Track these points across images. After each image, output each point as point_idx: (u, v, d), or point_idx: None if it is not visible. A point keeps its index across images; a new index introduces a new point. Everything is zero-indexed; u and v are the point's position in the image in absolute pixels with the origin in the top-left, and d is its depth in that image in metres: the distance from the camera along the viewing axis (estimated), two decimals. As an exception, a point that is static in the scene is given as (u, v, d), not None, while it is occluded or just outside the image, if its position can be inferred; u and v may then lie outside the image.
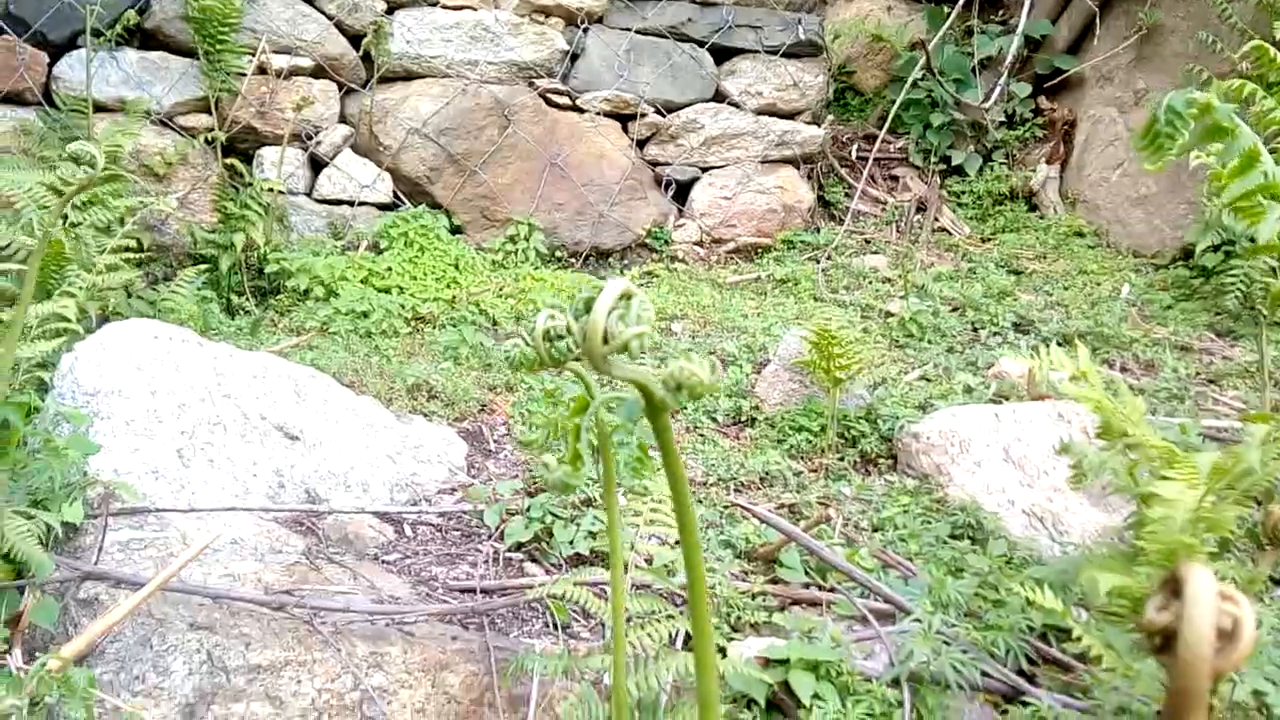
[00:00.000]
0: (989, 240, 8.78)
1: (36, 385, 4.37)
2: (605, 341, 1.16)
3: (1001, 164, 9.38)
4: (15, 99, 6.73)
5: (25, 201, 5.60)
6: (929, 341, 6.69)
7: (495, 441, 5.42)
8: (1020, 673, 3.31)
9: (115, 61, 6.92)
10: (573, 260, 8.15)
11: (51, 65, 6.83)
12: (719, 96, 8.61)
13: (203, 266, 6.66)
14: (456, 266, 7.36)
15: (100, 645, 3.06)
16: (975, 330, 6.93)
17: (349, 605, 3.39)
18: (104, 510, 3.39)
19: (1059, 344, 4.31)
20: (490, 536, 4.30)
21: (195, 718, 2.98)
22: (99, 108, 6.84)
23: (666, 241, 8.42)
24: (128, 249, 5.65)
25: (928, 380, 5.89)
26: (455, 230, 7.80)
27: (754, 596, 3.65)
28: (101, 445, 3.85)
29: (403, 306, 6.80)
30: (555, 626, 3.71)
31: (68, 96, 6.76)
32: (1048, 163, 9.11)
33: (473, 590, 3.83)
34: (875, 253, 8.50)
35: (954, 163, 9.46)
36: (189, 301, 6.15)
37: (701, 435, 5.32)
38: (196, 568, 3.45)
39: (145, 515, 3.67)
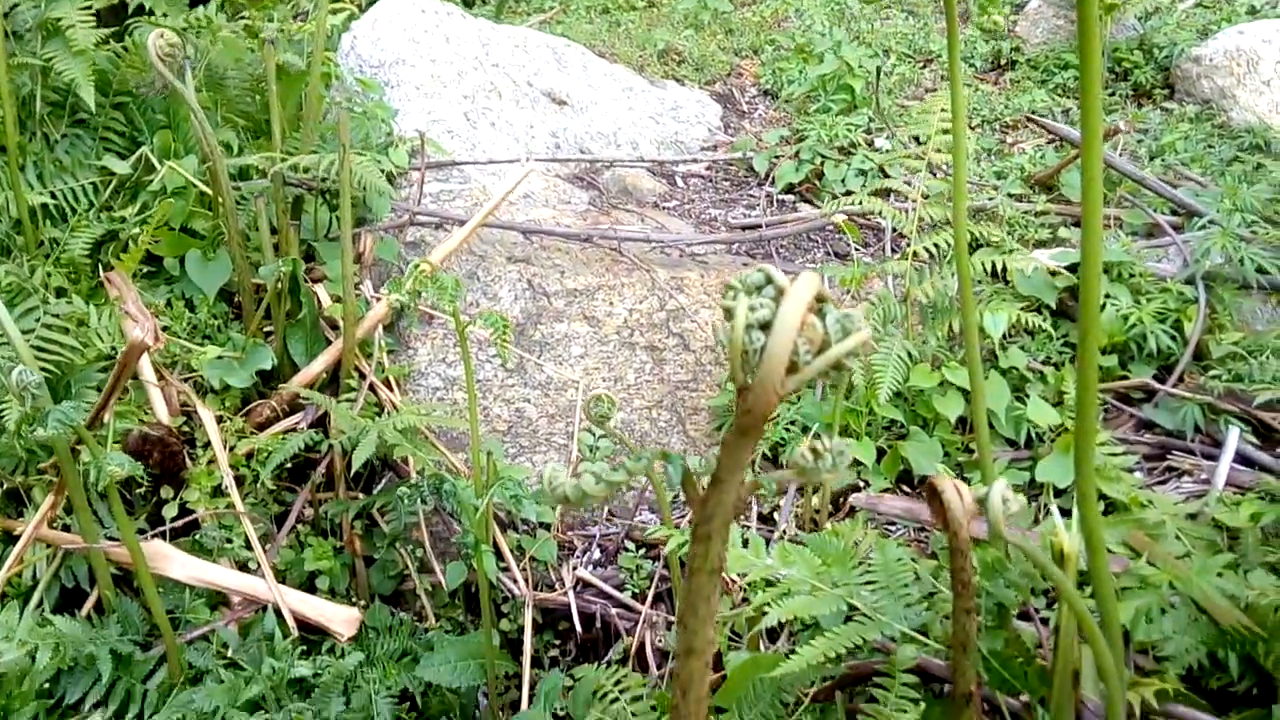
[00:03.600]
0: None
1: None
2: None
3: None
4: None
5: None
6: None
7: (747, 103, 5.48)
8: (1316, 270, 3.30)
9: None
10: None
11: None
12: None
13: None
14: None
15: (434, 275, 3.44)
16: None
17: (649, 236, 3.64)
18: (421, 162, 3.70)
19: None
20: (760, 183, 4.46)
21: (525, 335, 3.34)
22: None
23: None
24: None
25: (1204, 7, 5.55)
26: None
27: (1037, 215, 3.71)
28: (398, 109, 4.16)
29: (639, -20, 6.78)
30: (836, 255, 3.89)
31: None
32: None
33: (754, 226, 4.03)
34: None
35: None
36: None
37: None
38: (501, 216, 3.76)
39: (450, 169, 3.98)
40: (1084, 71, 1.26)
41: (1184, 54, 4.77)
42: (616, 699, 2.08)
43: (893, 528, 2.82)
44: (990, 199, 3.71)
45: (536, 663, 2.80)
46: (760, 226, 3.96)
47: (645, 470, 0.93)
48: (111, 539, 2.58)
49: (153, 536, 2.68)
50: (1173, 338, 3.09)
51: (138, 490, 2.79)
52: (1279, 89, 4.46)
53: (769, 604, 1.94)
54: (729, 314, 0.84)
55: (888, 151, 4.32)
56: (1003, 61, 5.38)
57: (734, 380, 0.84)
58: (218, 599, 2.69)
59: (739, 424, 0.86)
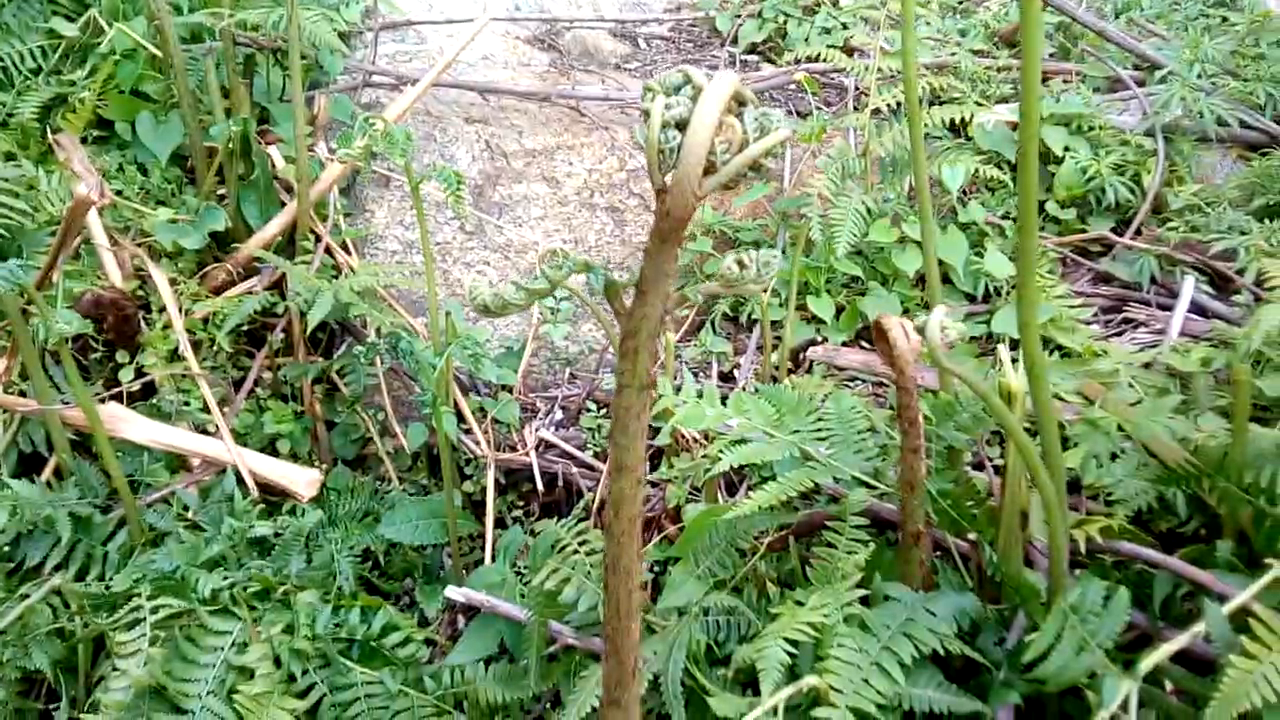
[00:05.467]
0: None
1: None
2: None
3: None
4: None
5: None
6: None
7: (712, -37, 5.34)
8: (1278, 121, 3.28)
9: None
10: None
11: None
12: None
13: None
14: None
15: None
16: None
17: (608, 95, 3.58)
18: (375, 22, 3.60)
19: None
20: (723, 43, 4.37)
21: (484, 197, 3.30)
22: None
23: None
24: None
25: None
26: None
27: (999, 70, 3.66)
28: (353, -32, 4.04)
29: None
30: (799, 114, 3.84)
31: None
32: None
33: (717, 86, 3.96)
34: None
35: None
36: None
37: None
38: (459, 77, 3.67)
39: (405, 29, 3.88)
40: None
41: (1155, -94, 4.66)
42: (575, 551, 2.10)
43: (852, 384, 2.83)
44: (952, 54, 3.65)
45: (499, 523, 2.83)
46: (723, 86, 3.89)
47: (564, 279, 0.92)
48: (68, 403, 2.57)
49: (109, 400, 2.66)
50: (1131, 190, 3.08)
51: (93, 355, 2.77)
52: (1250, -64, 4.38)
53: (722, 450, 1.95)
54: (647, 115, 0.82)
55: (851, 8, 4.24)
56: (972, -83, 5.24)
57: (652, 182, 0.83)
58: (177, 462, 2.69)
59: (658, 229, 0.84)
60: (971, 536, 1.81)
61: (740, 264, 0.91)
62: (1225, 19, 3.91)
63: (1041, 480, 1.47)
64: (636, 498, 1.00)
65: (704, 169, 0.80)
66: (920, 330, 1.28)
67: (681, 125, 0.81)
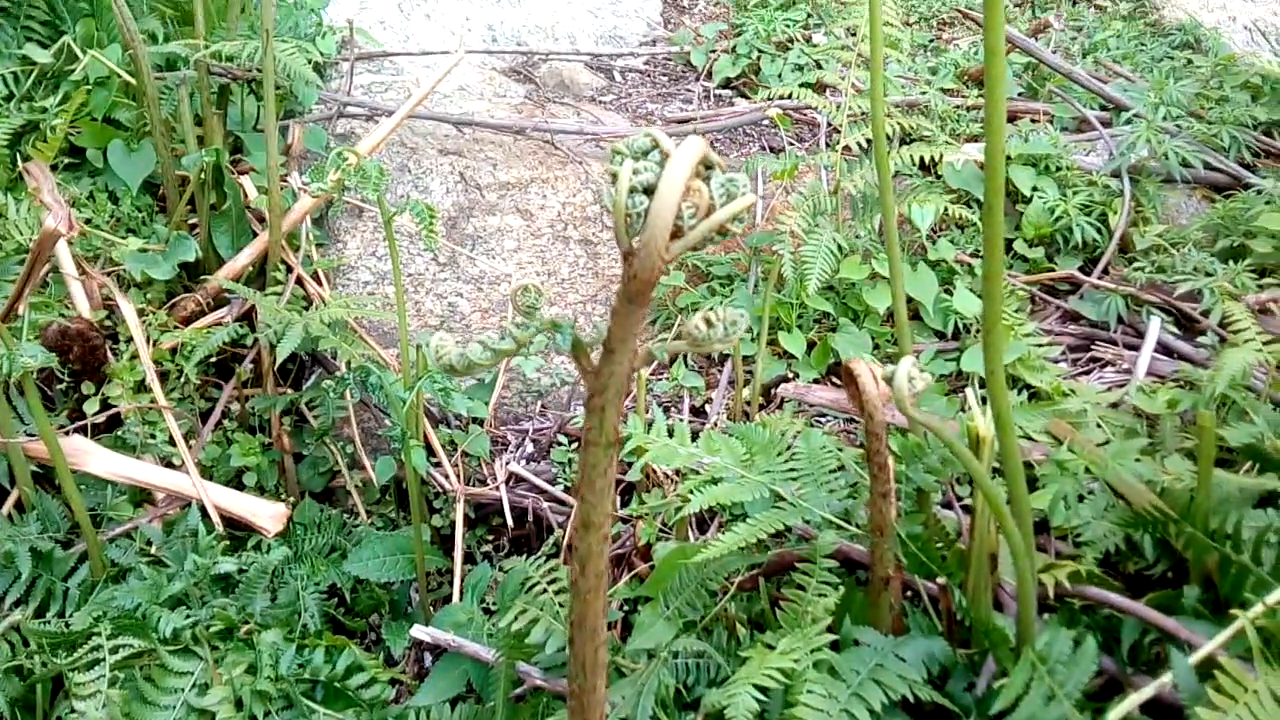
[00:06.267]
0: None
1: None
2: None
3: None
4: None
5: None
6: None
7: (688, -2, 5.39)
8: (1242, 164, 3.33)
9: None
10: None
11: None
12: None
13: None
14: None
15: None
16: None
17: (582, 129, 3.59)
18: (351, 53, 3.59)
19: None
20: (698, 77, 4.40)
21: (458, 229, 3.29)
22: None
23: None
24: None
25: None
26: None
27: (968, 109, 3.69)
28: (329, -1, 4.04)
29: None
30: (771, 149, 3.86)
31: None
32: None
33: (690, 119, 3.98)
34: None
35: None
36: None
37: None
38: (434, 108, 3.67)
39: (381, 60, 3.88)
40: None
41: (1121, -51, 4.74)
42: (544, 590, 2.09)
43: (822, 419, 2.84)
44: (923, 93, 3.68)
45: (468, 558, 2.81)
46: (694, 120, 3.91)
47: (531, 339, 0.92)
48: (31, 435, 2.53)
49: (73, 432, 2.63)
50: (1099, 230, 3.11)
51: (58, 386, 2.74)
52: (1213, -17, 4.47)
53: (693, 491, 1.95)
54: (615, 179, 0.82)
55: (824, 47, 4.28)
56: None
57: (619, 245, 0.83)
58: (141, 496, 2.66)
59: (626, 290, 0.84)
60: (941, 581, 1.81)
61: (708, 322, 0.91)
62: (1189, 61, 3.97)
63: (1009, 529, 1.47)
64: (603, 554, 0.99)
65: (671, 233, 0.80)
66: (888, 380, 1.28)
67: (649, 190, 0.81)
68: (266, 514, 2.59)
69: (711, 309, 0.91)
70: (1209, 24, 4.38)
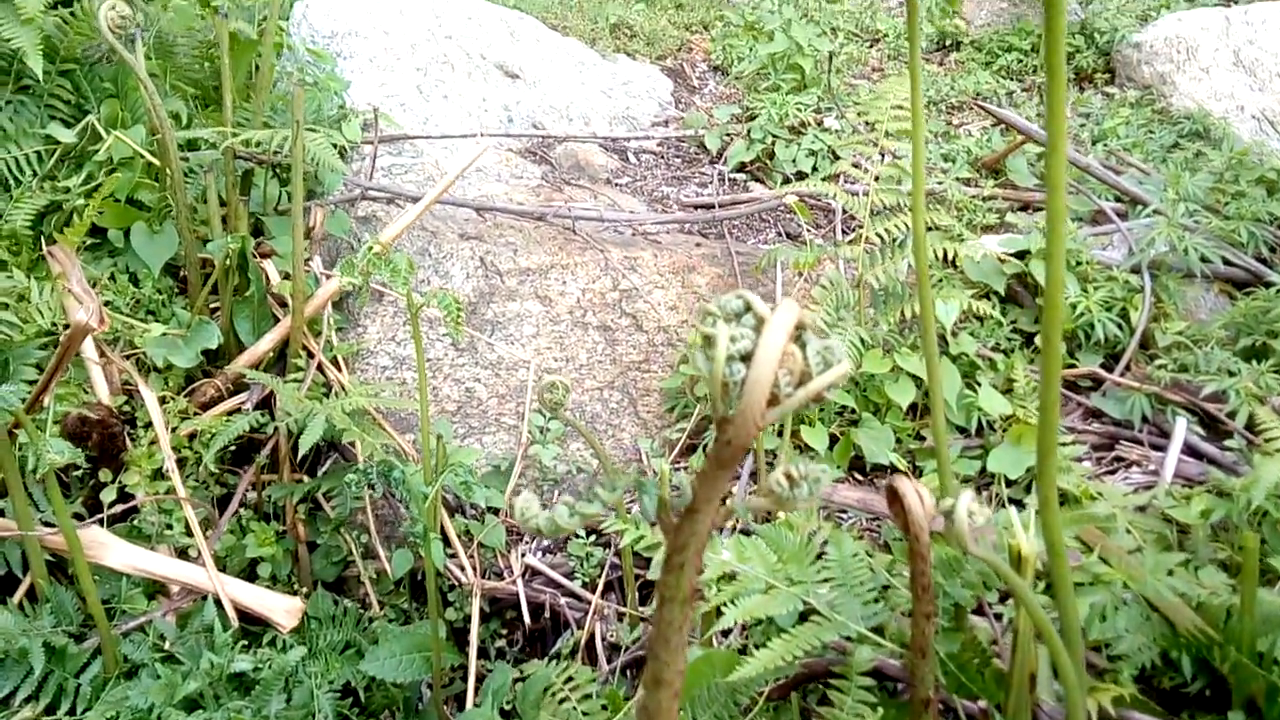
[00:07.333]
0: None
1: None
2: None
3: None
4: None
5: None
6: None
7: (697, 78, 5.44)
8: (1260, 259, 3.34)
9: None
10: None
11: None
12: None
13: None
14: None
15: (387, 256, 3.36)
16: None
17: (602, 215, 3.59)
18: (374, 136, 3.61)
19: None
20: (712, 160, 4.43)
21: (477, 314, 3.28)
22: None
23: None
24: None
25: (1149, -10, 5.58)
26: None
27: (985, 200, 3.71)
28: (350, 81, 4.06)
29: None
30: (788, 235, 3.87)
31: None
32: None
33: (706, 206, 4.00)
34: None
35: None
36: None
37: (903, 63, 5.23)
38: (453, 191, 3.68)
39: (402, 143, 3.90)
40: (1050, 71, 1.23)
41: (1125, 40, 4.82)
42: (566, 698, 2.05)
43: (845, 515, 2.81)
44: (939, 183, 3.70)
45: (483, 654, 2.76)
46: (714, 206, 3.93)
47: (616, 499, 0.90)
48: (47, 524, 2.50)
49: (90, 521, 2.59)
50: (1119, 326, 3.11)
51: (75, 473, 2.71)
52: (1217, 76, 4.52)
53: (726, 604, 1.92)
54: (709, 342, 0.81)
55: (837, 132, 4.31)
56: (948, 43, 5.38)
57: (714, 412, 0.81)
58: (155, 587, 2.62)
59: (718, 455, 0.83)
60: (983, 704, 1.78)
61: (790, 478, 0.89)
62: (1200, 153, 4.01)
63: (1060, 657, 1.44)
64: (673, 712, 0.96)
65: (767, 400, 0.79)
66: (947, 514, 1.26)
67: (745, 357, 0.79)
68: (282, 609, 2.55)
69: (793, 463, 0.89)
70: (1217, 112, 4.43)
